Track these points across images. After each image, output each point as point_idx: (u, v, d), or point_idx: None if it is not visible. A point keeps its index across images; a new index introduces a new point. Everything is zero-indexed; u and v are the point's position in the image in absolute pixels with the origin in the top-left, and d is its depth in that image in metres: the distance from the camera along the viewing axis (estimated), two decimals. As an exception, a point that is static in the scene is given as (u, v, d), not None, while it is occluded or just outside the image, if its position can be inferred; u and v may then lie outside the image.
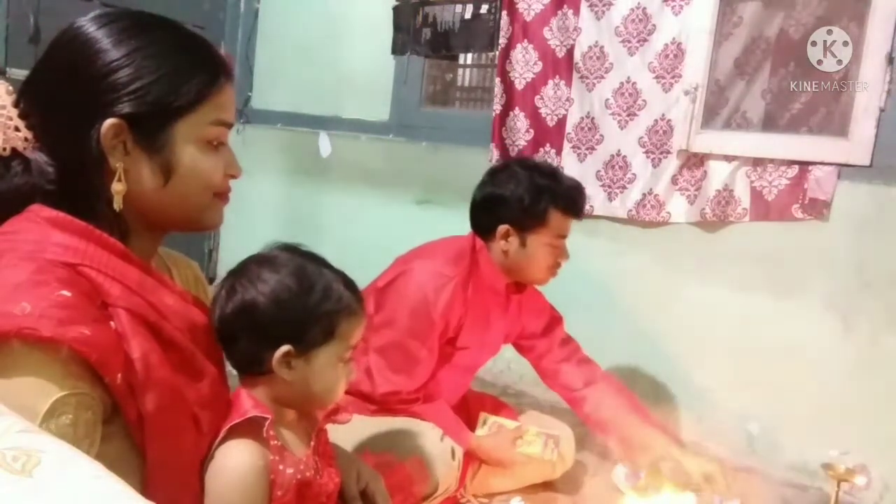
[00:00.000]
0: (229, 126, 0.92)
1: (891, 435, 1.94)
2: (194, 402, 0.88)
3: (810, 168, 2.07)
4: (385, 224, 2.94)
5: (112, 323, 0.79)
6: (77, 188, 0.85)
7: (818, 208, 2.08)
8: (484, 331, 1.83)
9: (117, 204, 0.85)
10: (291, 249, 1.06)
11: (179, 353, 0.88)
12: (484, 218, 1.79)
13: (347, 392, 1.34)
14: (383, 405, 1.70)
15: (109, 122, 0.83)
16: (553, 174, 1.79)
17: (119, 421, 0.80)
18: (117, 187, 0.85)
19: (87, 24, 0.86)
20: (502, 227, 1.74)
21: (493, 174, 1.81)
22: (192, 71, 0.87)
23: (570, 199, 1.76)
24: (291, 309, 0.99)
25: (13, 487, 0.51)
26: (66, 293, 0.76)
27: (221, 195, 0.95)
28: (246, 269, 1.03)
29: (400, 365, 1.69)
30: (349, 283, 1.07)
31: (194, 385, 0.89)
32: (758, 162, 2.17)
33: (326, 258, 1.08)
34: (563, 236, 1.77)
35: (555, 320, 2.00)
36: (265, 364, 1.00)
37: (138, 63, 0.84)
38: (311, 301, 1.01)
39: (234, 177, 0.95)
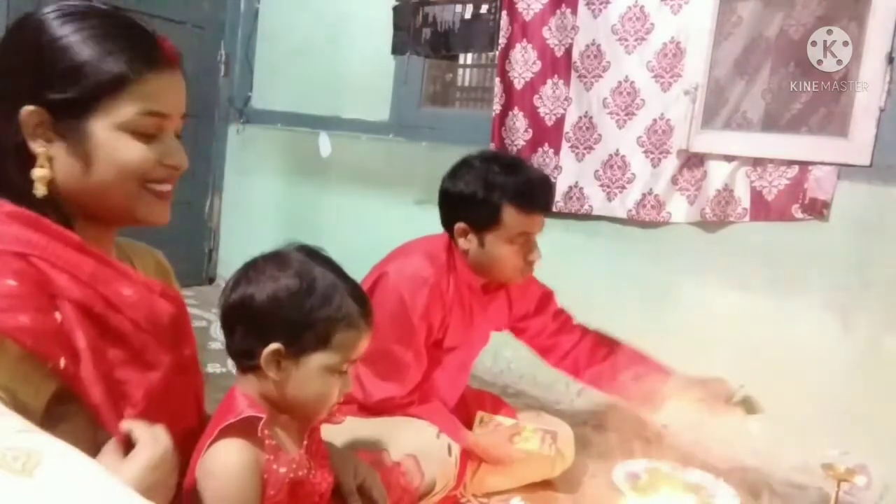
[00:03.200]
0: (163, 116, 0.89)
1: (891, 435, 1.94)
2: (142, 396, 0.89)
3: (810, 168, 2.07)
4: (385, 224, 2.93)
5: (57, 314, 0.81)
6: (8, 175, 0.86)
7: (818, 208, 2.08)
8: (469, 329, 1.78)
9: (38, 190, 0.85)
10: (307, 251, 1.06)
11: (127, 345, 0.88)
12: (444, 215, 1.70)
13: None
14: (378, 411, 1.68)
15: (28, 108, 0.84)
16: (510, 167, 1.65)
17: (75, 401, 0.82)
18: (37, 173, 0.85)
19: (43, 13, 0.87)
20: (459, 226, 1.65)
21: (454, 168, 1.70)
22: (111, 60, 0.85)
23: (524, 194, 1.61)
24: (287, 309, 1.00)
25: (13, 487, 0.51)
26: (12, 283, 0.78)
27: (153, 186, 0.90)
28: (256, 264, 1.05)
29: (388, 372, 1.64)
30: (358, 296, 1.06)
31: (144, 376, 0.90)
32: (758, 162, 2.17)
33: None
34: (527, 233, 1.64)
35: (546, 296, 1.92)
36: (256, 358, 1.00)
37: (59, 52, 0.85)
38: (308, 304, 1.01)
39: (174, 168, 0.91)
